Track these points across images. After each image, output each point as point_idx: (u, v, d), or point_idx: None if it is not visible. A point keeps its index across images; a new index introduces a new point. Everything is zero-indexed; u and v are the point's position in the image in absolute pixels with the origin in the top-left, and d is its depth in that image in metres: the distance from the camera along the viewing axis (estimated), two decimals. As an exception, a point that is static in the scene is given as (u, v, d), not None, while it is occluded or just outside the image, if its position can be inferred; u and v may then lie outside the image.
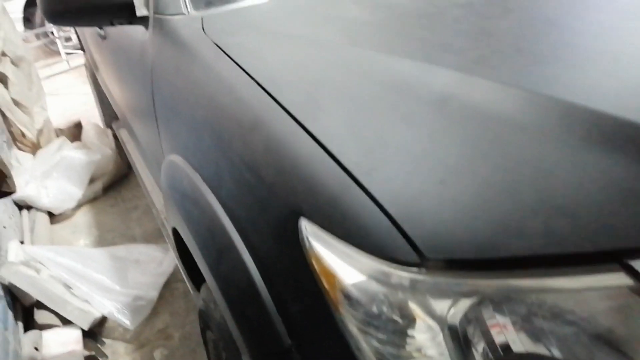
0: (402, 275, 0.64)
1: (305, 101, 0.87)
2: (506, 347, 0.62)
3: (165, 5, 1.32)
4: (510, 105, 0.78)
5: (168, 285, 2.37)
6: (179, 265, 1.62)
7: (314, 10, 1.22)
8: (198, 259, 1.06)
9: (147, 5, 1.38)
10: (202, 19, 1.22)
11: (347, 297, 0.69)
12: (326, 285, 0.71)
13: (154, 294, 2.25)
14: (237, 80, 0.97)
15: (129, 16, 1.37)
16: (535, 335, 0.63)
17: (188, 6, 1.30)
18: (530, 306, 0.63)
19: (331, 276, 0.70)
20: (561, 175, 0.67)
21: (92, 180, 3.23)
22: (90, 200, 3.24)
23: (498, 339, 0.63)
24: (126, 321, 2.11)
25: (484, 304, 0.63)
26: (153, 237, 2.79)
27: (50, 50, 7.03)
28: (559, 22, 0.98)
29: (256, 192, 0.86)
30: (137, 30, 1.48)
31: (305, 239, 0.74)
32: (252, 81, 0.94)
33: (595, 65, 0.85)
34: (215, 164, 0.99)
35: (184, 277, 1.58)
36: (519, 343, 0.63)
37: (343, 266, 0.69)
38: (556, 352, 0.62)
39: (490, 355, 0.63)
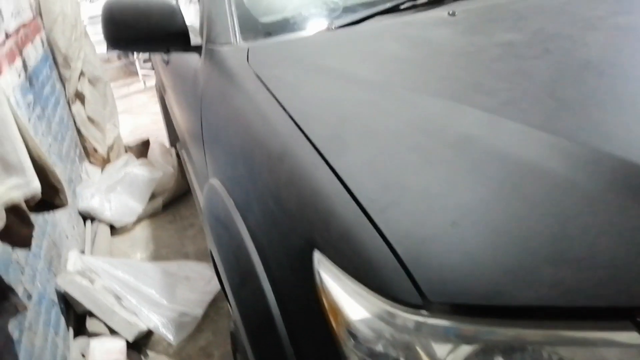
0: (405, 316, 0.64)
1: (331, 136, 0.88)
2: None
3: (216, 35, 1.38)
4: (534, 149, 0.76)
5: (214, 304, 2.42)
6: (220, 285, 1.66)
7: (355, 45, 1.24)
8: (225, 282, 1.08)
9: (201, 34, 1.45)
10: (248, 50, 1.27)
11: (352, 334, 0.69)
12: (333, 321, 0.71)
13: (199, 311, 2.30)
14: (271, 111, 1.00)
15: (184, 44, 1.44)
16: None
17: (237, 37, 1.35)
18: (535, 358, 0.60)
19: (338, 311, 0.70)
20: (579, 226, 0.65)
21: (153, 197, 3.37)
22: (150, 215, 3.37)
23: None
24: (170, 336, 2.16)
25: (487, 354, 0.61)
26: (205, 255, 2.86)
27: (129, 71, 7.44)
28: (598, 67, 0.95)
29: (278, 222, 0.87)
30: (192, 57, 1.55)
31: (316, 271, 0.74)
32: (285, 113, 0.97)
33: (630, 113, 0.82)
34: (246, 191, 1.02)
35: (226, 297, 1.62)
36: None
37: (350, 302, 0.69)
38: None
39: None
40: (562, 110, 0.83)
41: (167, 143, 4.20)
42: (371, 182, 0.77)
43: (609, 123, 0.79)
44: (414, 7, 1.44)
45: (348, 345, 0.70)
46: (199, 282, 2.50)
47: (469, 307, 0.61)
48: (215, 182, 1.26)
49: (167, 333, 2.16)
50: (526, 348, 0.61)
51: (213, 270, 2.59)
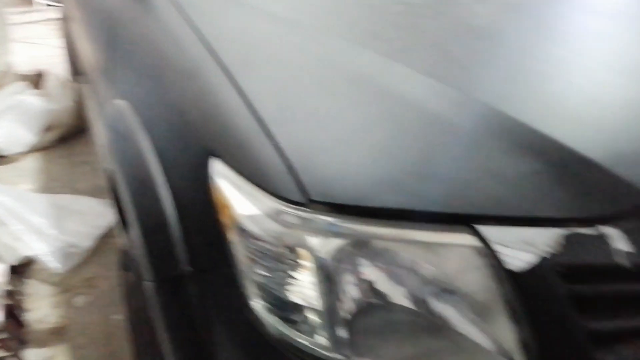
0: (290, 212, 0.73)
1: (240, 59, 0.96)
2: (365, 287, 0.72)
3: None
4: (417, 90, 0.89)
5: (104, 239, 2.40)
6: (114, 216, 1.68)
7: None
8: (123, 194, 1.13)
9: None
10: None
11: (240, 228, 0.78)
12: (225, 219, 0.80)
13: (88, 243, 2.29)
14: (184, 33, 1.05)
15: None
16: (391, 282, 0.73)
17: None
18: (392, 254, 0.73)
19: (230, 210, 0.79)
20: (440, 152, 0.78)
21: (47, 129, 3.23)
22: (42, 148, 3.24)
23: (359, 279, 0.72)
24: (57, 264, 2.14)
25: (354, 247, 0.73)
26: (97, 192, 2.81)
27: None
28: (481, 32, 1.10)
29: (182, 135, 0.94)
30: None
31: (212, 175, 0.82)
32: (197, 36, 1.02)
33: (502, 70, 0.97)
34: (153, 108, 1.07)
35: (116, 223, 1.64)
36: (376, 286, 0.72)
37: (241, 201, 0.78)
38: (406, 299, 0.72)
39: (349, 291, 0.72)
40: (446, 62, 0.97)
41: (67, 77, 4.01)
42: (272, 101, 0.86)
43: (484, 76, 0.94)
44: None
45: (237, 241, 0.78)
46: (90, 216, 2.47)
47: (344, 207, 0.72)
48: (120, 102, 1.28)
49: (53, 261, 2.14)
50: (385, 245, 0.73)
51: (106, 206, 2.56)
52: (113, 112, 1.32)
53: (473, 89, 0.89)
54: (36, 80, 3.76)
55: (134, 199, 1.03)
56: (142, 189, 1.01)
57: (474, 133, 0.80)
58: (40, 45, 5.36)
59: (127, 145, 1.14)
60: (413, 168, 0.75)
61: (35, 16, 6.35)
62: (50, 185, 2.89)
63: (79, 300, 2.08)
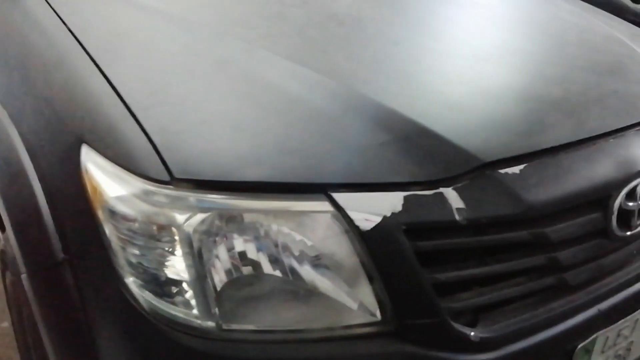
0: (155, 191, 0.77)
1: (107, 49, 0.97)
2: (232, 258, 0.77)
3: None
4: (278, 72, 0.95)
5: None
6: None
7: None
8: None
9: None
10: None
11: (110, 210, 0.80)
12: (94, 201, 0.81)
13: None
14: (50, 24, 1.04)
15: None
16: (258, 252, 0.78)
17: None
18: (257, 225, 0.78)
19: (98, 192, 0.81)
20: (299, 129, 0.85)
21: None
22: None
23: (226, 251, 0.77)
24: None
25: (220, 221, 0.77)
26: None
27: None
28: (343, 20, 1.18)
29: (51, 125, 0.94)
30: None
31: (83, 162, 0.84)
32: (63, 26, 1.02)
33: (360, 54, 1.05)
34: (21, 100, 1.06)
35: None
36: (243, 257, 0.77)
37: (110, 184, 0.80)
38: (273, 268, 0.78)
39: (217, 263, 0.77)
40: (306, 47, 1.04)
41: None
42: (138, 87, 0.89)
43: (341, 59, 1.02)
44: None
45: (108, 224, 0.80)
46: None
47: (208, 183, 0.76)
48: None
49: None
50: (249, 218, 0.78)
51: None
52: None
53: (331, 71, 0.96)
54: None
55: (5, 194, 1.01)
56: (13, 183, 1.00)
57: (329, 111, 0.87)
58: None
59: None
60: (273, 144, 0.81)
61: None
62: None
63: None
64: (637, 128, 0.98)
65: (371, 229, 0.77)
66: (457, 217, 0.80)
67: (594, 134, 0.94)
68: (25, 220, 0.95)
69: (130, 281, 0.80)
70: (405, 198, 0.79)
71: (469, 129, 0.89)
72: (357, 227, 0.77)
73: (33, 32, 1.07)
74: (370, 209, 0.78)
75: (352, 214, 0.77)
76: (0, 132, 1.08)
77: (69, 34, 1.01)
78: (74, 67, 0.94)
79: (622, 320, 1.01)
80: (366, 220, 0.77)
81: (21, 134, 1.02)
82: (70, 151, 0.87)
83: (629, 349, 1.08)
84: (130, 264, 0.80)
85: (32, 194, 0.94)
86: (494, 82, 1.04)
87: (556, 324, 0.91)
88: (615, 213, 0.91)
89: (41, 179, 0.94)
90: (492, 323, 0.87)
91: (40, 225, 0.92)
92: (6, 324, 1.88)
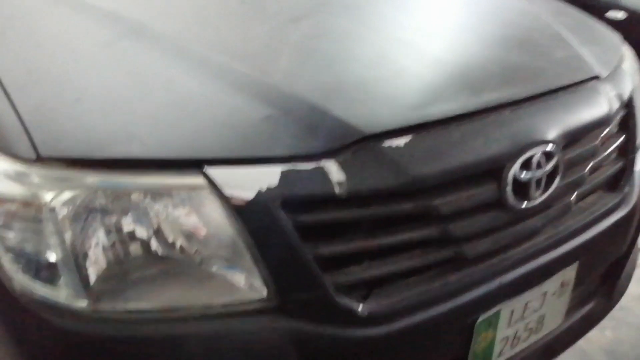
0: (23, 170, 0.75)
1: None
2: (103, 236, 0.76)
3: None
4: (160, 52, 0.94)
5: None
6: None
7: None
8: None
9: None
10: None
11: None
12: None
13: None
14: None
15: None
16: (132, 229, 0.76)
17: None
18: (126, 202, 0.76)
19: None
20: (176, 105, 0.83)
21: None
22: None
23: (97, 229, 0.75)
24: None
25: (87, 198, 0.75)
26: None
27: None
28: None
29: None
30: None
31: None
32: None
33: (241, 32, 1.05)
34: None
35: None
36: (116, 235, 0.76)
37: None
38: (148, 245, 0.77)
39: (88, 242, 0.75)
40: (199, 26, 1.03)
41: None
42: (18, 67, 0.88)
43: (227, 39, 1.02)
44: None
45: None
46: None
47: (75, 160, 0.75)
48: None
49: None
50: (122, 194, 0.76)
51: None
52: None
53: (219, 50, 0.95)
54: None
55: None
56: None
57: (211, 89, 0.86)
58: None
59: None
60: (147, 121, 0.80)
61: None
62: None
63: None
64: (534, 100, 0.97)
65: (245, 204, 0.76)
66: (337, 190, 0.79)
67: (488, 106, 0.93)
68: None
69: (6, 261, 0.78)
70: (283, 172, 0.78)
71: (354, 102, 0.87)
72: (231, 203, 0.76)
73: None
74: (245, 183, 0.77)
75: (226, 190, 0.76)
76: None
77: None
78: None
79: (528, 292, 1.01)
80: (240, 195, 0.76)
81: None
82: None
83: (541, 322, 1.08)
84: (3, 244, 0.78)
85: None
86: (388, 56, 1.03)
87: (453, 298, 0.90)
88: (510, 184, 0.90)
89: None
90: (384, 298, 0.86)
91: None
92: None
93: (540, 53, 1.11)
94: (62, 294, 0.76)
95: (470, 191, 0.89)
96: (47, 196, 0.74)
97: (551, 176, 0.96)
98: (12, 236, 0.77)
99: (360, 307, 0.83)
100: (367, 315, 0.83)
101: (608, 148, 1.11)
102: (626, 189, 1.18)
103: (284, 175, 0.78)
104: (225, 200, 0.76)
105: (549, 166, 0.94)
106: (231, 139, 0.80)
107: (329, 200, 0.80)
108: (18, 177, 0.75)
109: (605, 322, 1.37)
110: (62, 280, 0.76)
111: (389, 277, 0.88)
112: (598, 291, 1.27)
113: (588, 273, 1.14)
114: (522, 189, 0.93)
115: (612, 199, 1.15)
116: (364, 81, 0.95)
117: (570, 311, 1.16)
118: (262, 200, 0.76)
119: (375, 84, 0.93)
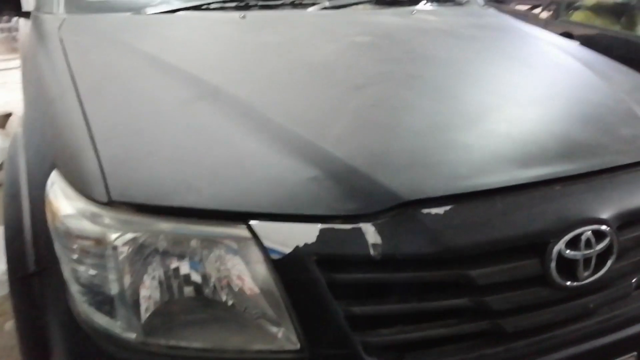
0: (95, 211, 0.86)
1: (94, 88, 1.10)
2: (159, 277, 0.84)
3: (43, 3, 1.55)
4: (228, 112, 1.04)
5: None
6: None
7: (165, 31, 1.47)
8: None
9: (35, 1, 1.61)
10: (64, 19, 1.45)
11: (60, 228, 0.89)
12: (51, 219, 0.92)
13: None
14: (59, 65, 1.20)
15: (17, 10, 1.60)
16: (183, 274, 0.84)
17: (60, 7, 1.52)
18: (178, 247, 0.84)
19: (54, 210, 0.91)
20: (232, 161, 0.92)
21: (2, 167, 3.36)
22: (-1, 185, 3.36)
23: (155, 271, 0.84)
24: (-10, 291, 2.22)
25: (146, 241, 0.84)
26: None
27: (11, 47, 7.16)
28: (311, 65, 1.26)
29: (41, 151, 1.08)
30: (27, 24, 1.70)
31: (48, 183, 0.95)
32: (67, 68, 1.17)
33: (298, 95, 1.15)
34: (31, 130, 1.21)
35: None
36: (170, 277, 0.84)
37: (62, 203, 0.90)
38: (197, 290, 0.84)
39: (145, 281, 0.84)
40: (265, 91, 1.13)
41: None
42: (107, 121, 1.00)
43: (285, 102, 1.11)
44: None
45: (58, 240, 0.90)
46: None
47: (141, 206, 0.84)
48: (18, 130, 1.43)
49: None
50: (182, 239, 0.85)
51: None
52: (12, 138, 1.46)
53: (278, 113, 1.03)
54: (3, 121, 3.93)
55: (5, 211, 1.15)
56: (12, 201, 1.14)
57: (266, 149, 0.94)
58: (17, 90, 5.54)
59: (11, 162, 1.28)
60: (206, 175, 0.89)
61: (17, 63, 6.56)
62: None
63: (9, 325, 2.15)
64: (588, 177, 0.96)
65: (282, 257, 0.81)
66: (372, 252, 0.83)
67: (537, 180, 0.93)
68: (13, 234, 1.08)
69: (75, 291, 0.88)
70: (321, 230, 0.83)
71: (398, 168, 0.91)
72: (269, 256, 0.82)
73: (45, 72, 1.23)
74: (284, 238, 0.82)
75: (266, 242, 0.82)
76: (15, 156, 1.25)
77: (69, 75, 1.15)
78: (63, 102, 1.07)
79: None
80: (279, 248, 0.82)
81: (27, 160, 1.18)
82: (47, 174, 0.98)
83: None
84: (75, 277, 0.88)
85: (21, 210, 1.07)
86: (441, 127, 1.06)
87: (488, 372, 0.89)
88: (554, 261, 0.89)
89: (29, 197, 1.07)
90: (416, 363, 0.87)
91: (20, 239, 1.04)
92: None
93: (605, 130, 1.09)
94: (117, 325, 0.85)
95: (510, 264, 0.89)
96: (113, 235, 0.84)
97: (604, 256, 0.93)
98: (83, 269, 0.88)
99: (387, 369, 0.85)
100: (395, 378, 0.84)
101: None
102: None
103: (322, 233, 0.82)
104: (265, 252, 0.82)
105: (601, 246, 0.91)
106: (277, 195, 0.86)
107: (364, 261, 0.84)
108: (92, 217, 0.86)
109: None
110: (118, 313, 0.85)
111: (423, 342, 0.89)
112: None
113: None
114: (569, 267, 0.91)
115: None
116: (412, 149, 0.99)
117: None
118: (298, 255, 0.81)
119: (422, 152, 0.97)
